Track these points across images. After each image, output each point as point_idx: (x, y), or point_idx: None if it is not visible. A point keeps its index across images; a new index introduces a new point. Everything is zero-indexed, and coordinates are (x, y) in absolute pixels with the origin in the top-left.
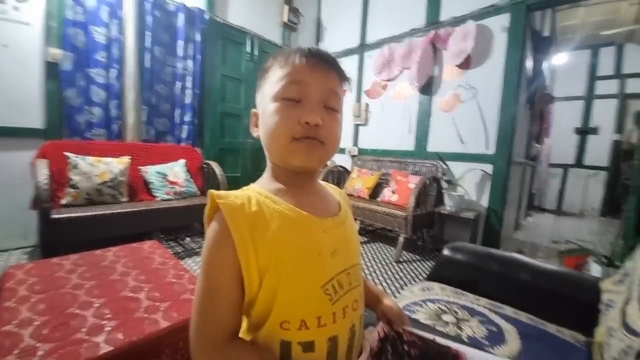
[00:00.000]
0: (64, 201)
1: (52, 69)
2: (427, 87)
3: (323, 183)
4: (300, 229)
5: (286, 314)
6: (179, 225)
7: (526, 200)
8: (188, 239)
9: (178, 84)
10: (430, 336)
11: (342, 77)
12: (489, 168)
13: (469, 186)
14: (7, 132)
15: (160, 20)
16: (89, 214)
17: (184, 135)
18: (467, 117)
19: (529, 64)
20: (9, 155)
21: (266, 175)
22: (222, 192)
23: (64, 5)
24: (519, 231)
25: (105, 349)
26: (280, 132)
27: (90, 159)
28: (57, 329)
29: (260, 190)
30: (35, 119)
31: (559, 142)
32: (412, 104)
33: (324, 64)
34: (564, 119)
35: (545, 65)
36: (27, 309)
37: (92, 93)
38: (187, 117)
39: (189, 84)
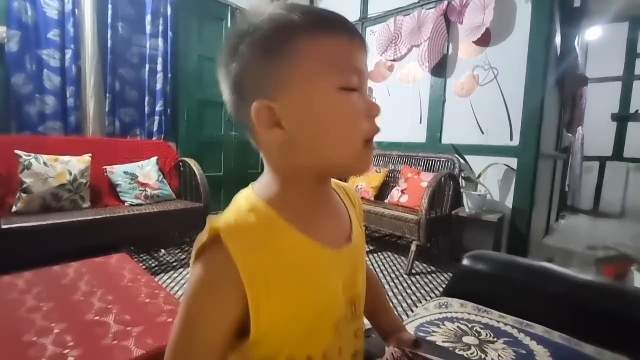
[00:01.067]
0: (15, 208)
1: None
2: (440, 68)
3: (333, 182)
4: (318, 271)
5: (292, 351)
6: (152, 235)
7: (558, 200)
8: (163, 251)
9: (147, 67)
10: None
11: None
12: (513, 162)
13: (491, 184)
14: None
15: None
16: (45, 223)
17: (155, 128)
18: (487, 103)
19: (557, 39)
20: None
21: (273, 184)
22: (228, 223)
23: None
24: (550, 236)
25: None
26: (355, 135)
27: (45, 157)
28: None
29: (268, 214)
30: None
31: (595, 131)
32: (423, 88)
33: (364, 42)
34: (599, 104)
35: (576, 41)
36: None
37: (44, 79)
38: (159, 107)
39: (159, 66)
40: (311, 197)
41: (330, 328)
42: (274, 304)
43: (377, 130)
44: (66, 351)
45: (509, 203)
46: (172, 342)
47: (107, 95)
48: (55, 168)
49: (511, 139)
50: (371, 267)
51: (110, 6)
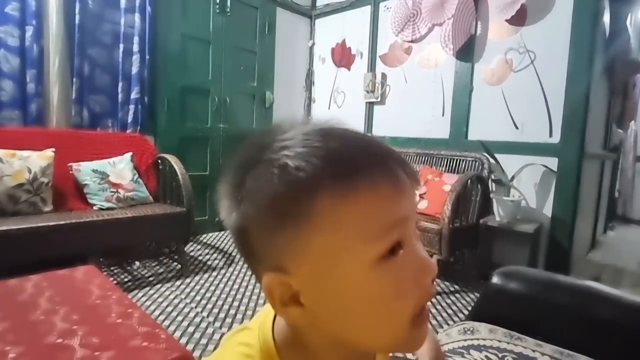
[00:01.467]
0: None
1: None
2: (467, 51)
3: None
4: None
5: None
6: (124, 244)
7: (606, 208)
8: (137, 263)
9: (121, 47)
10: None
11: None
12: (553, 163)
13: (527, 188)
14: None
15: None
16: (2, 229)
17: (129, 119)
18: (522, 92)
19: (606, 18)
20: None
21: (285, 333)
22: None
23: None
24: (596, 250)
25: None
26: (399, 320)
27: (1, 152)
28: None
29: None
30: None
31: None
32: (446, 74)
33: (413, 175)
34: None
35: (629, 20)
36: None
37: (0, 60)
38: (134, 94)
39: (135, 46)
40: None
41: None
42: None
43: (430, 297)
44: None
45: (548, 211)
46: None
47: (74, 79)
48: (11, 164)
49: (550, 135)
50: None
51: None
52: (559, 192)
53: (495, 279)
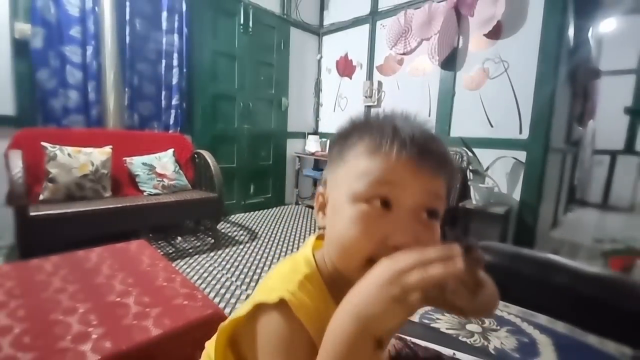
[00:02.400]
0: (41, 197)
1: (21, 48)
2: (450, 61)
3: None
4: None
5: None
6: (168, 223)
7: (566, 193)
8: (179, 238)
9: (163, 62)
10: (449, 352)
11: (453, 175)
12: (522, 155)
13: (499, 177)
14: None
15: None
16: (70, 210)
17: (171, 121)
18: (496, 96)
19: (570, 31)
20: None
21: (327, 258)
22: (293, 295)
23: None
24: (557, 228)
25: (92, 358)
26: (354, 252)
27: (69, 149)
28: (40, 337)
29: (322, 287)
30: (4, 104)
31: (606, 125)
32: (433, 81)
33: (433, 162)
34: (612, 97)
35: (590, 33)
36: (6, 315)
37: (67, 74)
38: (175, 101)
39: (175, 61)
40: (350, 283)
41: None
42: None
43: (387, 255)
44: (90, 329)
45: (517, 196)
46: None
47: (126, 89)
48: (78, 159)
49: (520, 132)
50: None
51: (128, 3)
52: (527, 180)
53: None
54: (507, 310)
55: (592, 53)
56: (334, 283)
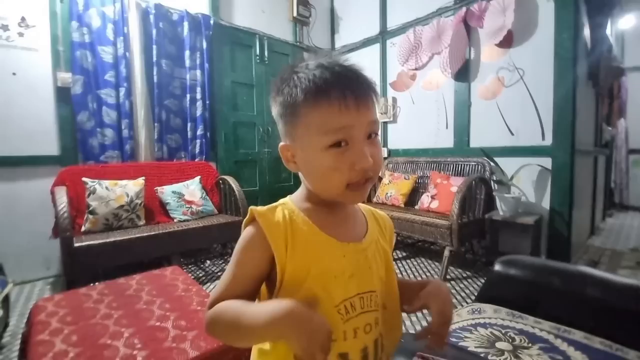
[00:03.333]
0: (83, 228)
1: (62, 94)
2: (463, 73)
3: (363, 207)
4: (322, 252)
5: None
6: (198, 247)
7: (603, 198)
8: (208, 262)
9: (187, 97)
10: None
11: (376, 95)
12: (547, 162)
13: (525, 185)
14: (23, 161)
15: (165, 32)
16: (110, 240)
17: (197, 150)
18: (514, 104)
19: (586, 31)
20: (26, 185)
21: (300, 192)
22: (262, 210)
23: (70, 28)
24: (596, 236)
25: None
26: (335, 183)
27: (106, 182)
28: None
29: (293, 208)
30: (50, 145)
31: (639, 122)
32: (447, 93)
33: (363, 97)
34: None
35: (608, 31)
36: (61, 340)
37: (103, 114)
38: (199, 131)
39: (198, 95)
40: (326, 207)
41: (333, 309)
42: (294, 260)
43: (360, 178)
44: (135, 352)
45: (546, 204)
46: (220, 279)
47: (155, 124)
48: (115, 191)
49: (543, 138)
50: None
51: (154, 46)
52: (555, 187)
53: (497, 267)
54: (539, 326)
55: (613, 51)
56: (308, 207)
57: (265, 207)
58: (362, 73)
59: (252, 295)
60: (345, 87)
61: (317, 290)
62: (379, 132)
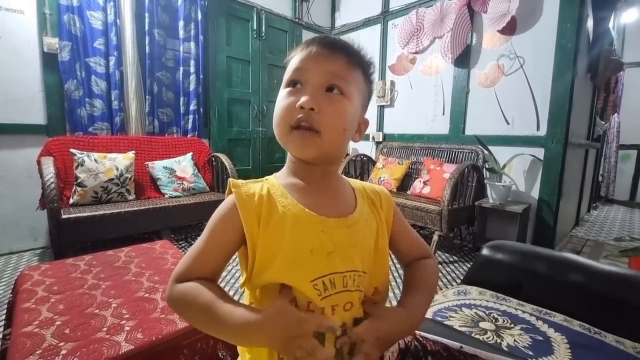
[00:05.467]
0: (71, 200)
1: (49, 60)
2: (464, 59)
3: (355, 183)
4: (298, 225)
5: (274, 297)
6: (188, 223)
7: (590, 190)
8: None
9: (181, 70)
10: (456, 344)
11: (354, 59)
12: (540, 152)
13: (516, 175)
14: (8, 129)
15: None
16: (98, 213)
17: (189, 126)
18: (512, 93)
19: (589, 24)
20: (11, 154)
21: (284, 168)
22: (239, 182)
23: None
24: (580, 227)
25: (126, 347)
26: (280, 120)
27: (95, 155)
28: (79, 329)
29: (275, 183)
30: (35, 114)
31: (632, 118)
32: (446, 79)
33: (326, 48)
34: (637, 89)
35: (610, 24)
36: (47, 309)
37: (92, 84)
38: (192, 106)
39: (192, 68)
40: (309, 180)
41: (308, 284)
42: (266, 234)
43: (298, 119)
44: (123, 322)
45: (535, 194)
46: (190, 249)
47: (147, 97)
48: (104, 164)
49: (537, 128)
50: (430, 268)
51: (147, 14)
52: (545, 177)
53: (484, 251)
54: (521, 308)
55: (614, 45)
56: (290, 180)
57: (245, 180)
58: (349, 43)
59: (218, 272)
60: (319, 41)
61: (291, 265)
62: (348, 97)
